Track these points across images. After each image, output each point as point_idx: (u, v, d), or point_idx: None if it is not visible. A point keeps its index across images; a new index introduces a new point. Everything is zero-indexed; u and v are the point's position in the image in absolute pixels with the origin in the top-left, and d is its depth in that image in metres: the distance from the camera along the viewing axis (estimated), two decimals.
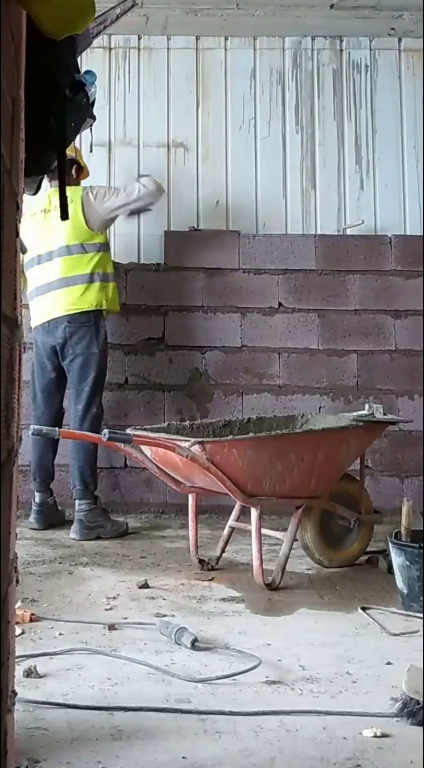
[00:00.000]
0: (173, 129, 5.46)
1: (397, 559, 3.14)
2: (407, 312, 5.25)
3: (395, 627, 2.89)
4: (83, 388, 4.56)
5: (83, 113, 2.05)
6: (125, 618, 2.96)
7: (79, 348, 4.56)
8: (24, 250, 1.86)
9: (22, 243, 1.62)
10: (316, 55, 5.54)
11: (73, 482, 4.57)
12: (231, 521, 3.82)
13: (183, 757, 1.88)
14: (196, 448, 3.33)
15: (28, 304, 4.67)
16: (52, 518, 4.69)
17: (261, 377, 5.22)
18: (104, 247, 4.69)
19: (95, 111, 2.30)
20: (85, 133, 4.84)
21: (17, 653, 2.22)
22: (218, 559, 3.78)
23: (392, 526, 3.48)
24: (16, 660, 2.21)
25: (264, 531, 3.50)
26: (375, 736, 1.99)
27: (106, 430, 3.26)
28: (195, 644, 2.60)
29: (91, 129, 4.28)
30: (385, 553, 3.65)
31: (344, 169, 5.50)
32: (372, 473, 5.02)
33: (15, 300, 1.43)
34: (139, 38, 5.47)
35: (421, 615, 2.97)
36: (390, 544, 3.19)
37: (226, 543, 3.82)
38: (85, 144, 5.13)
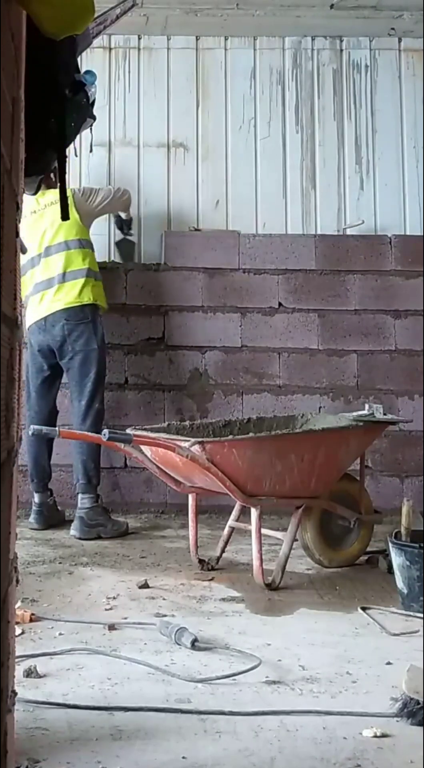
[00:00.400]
0: (173, 129, 5.46)
1: (397, 559, 3.14)
2: (407, 312, 5.25)
3: (395, 627, 2.89)
4: (86, 384, 4.57)
5: (83, 113, 2.05)
6: (125, 618, 2.96)
7: (79, 345, 4.57)
8: (24, 250, 1.86)
9: (22, 243, 1.62)
10: (316, 55, 5.55)
11: (77, 476, 4.58)
12: (231, 521, 3.82)
13: (183, 757, 1.88)
14: (196, 448, 3.33)
15: (25, 306, 4.68)
16: (52, 518, 4.69)
17: (261, 377, 5.22)
18: (92, 245, 4.75)
19: (95, 111, 2.29)
20: (85, 133, 4.83)
21: (17, 653, 2.22)
22: (218, 559, 3.78)
23: (392, 526, 3.48)
24: (16, 660, 2.21)
25: (264, 531, 3.50)
26: (375, 736, 1.99)
27: (106, 430, 3.27)
28: (195, 644, 2.60)
29: (91, 129, 4.28)
30: (385, 553, 3.65)
31: (344, 169, 5.50)
32: (372, 473, 5.02)
33: (15, 300, 1.43)
34: (139, 38, 5.47)
35: (421, 615, 2.97)
36: (390, 544, 3.19)
37: (226, 543, 3.82)
38: (85, 144, 5.12)
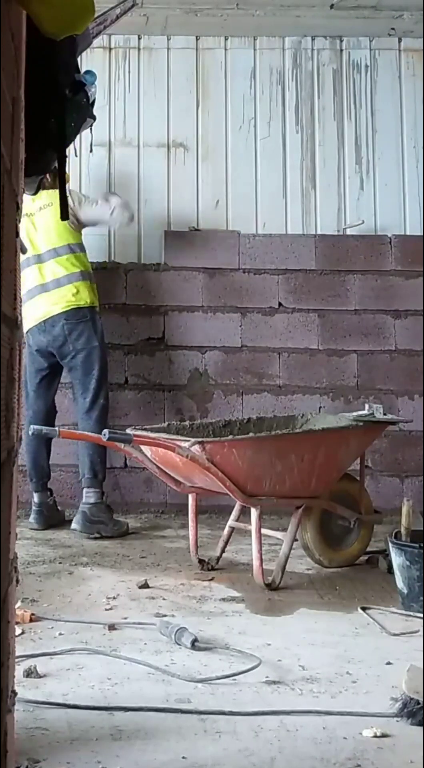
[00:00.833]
0: (173, 129, 5.46)
1: (397, 559, 3.14)
2: (407, 312, 5.25)
3: (395, 627, 2.89)
4: (90, 380, 4.58)
5: (83, 113, 2.05)
6: (125, 618, 2.96)
7: (80, 343, 4.58)
8: (24, 250, 1.86)
9: (22, 243, 1.62)
10: (316, 55, 5.54)
11: (83, 471, 4.58)
12: (231, 521, 3.82)
13: (183, 757, 1.88)
14: (196, 448, 3.33)
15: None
16: (52, 518, 4.69)
17: (261, 377, 5.22)
18: (83, 247, 4.74)
19: (95, 111, 2.29)
20: (85, 133, 4.82)
21: (17, 653, 2.22)
22: (218, 559, 3.78)
23: (392, 526, 3.48)
24: (16, 660, 2.21)
25: (264, 531, 3.50)
26: (375, 736, 1.99)
27: (106, 430, 3.27)
28: (195, 644, 2.60)
29: (91, 129, 4.27)
30: (385, 553, 3.65)
31: (344, 169, 5.49)
32: (372, 473, 5.02)
33: (15, 300, 1.43)
34: (139, 38, 5.46)
35: (421, 615, 2.97)
36: (390, 544, 3.19)
37: (226, 543, 3.82)
38: (85, 144, 5.12)
